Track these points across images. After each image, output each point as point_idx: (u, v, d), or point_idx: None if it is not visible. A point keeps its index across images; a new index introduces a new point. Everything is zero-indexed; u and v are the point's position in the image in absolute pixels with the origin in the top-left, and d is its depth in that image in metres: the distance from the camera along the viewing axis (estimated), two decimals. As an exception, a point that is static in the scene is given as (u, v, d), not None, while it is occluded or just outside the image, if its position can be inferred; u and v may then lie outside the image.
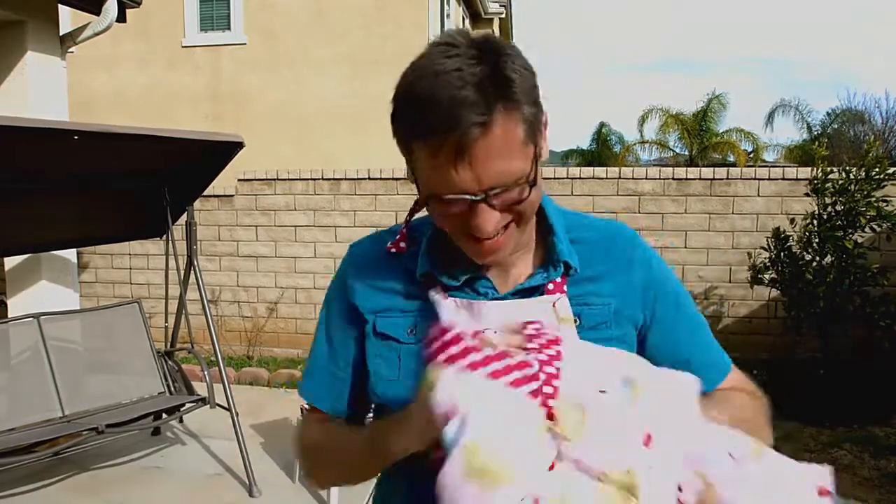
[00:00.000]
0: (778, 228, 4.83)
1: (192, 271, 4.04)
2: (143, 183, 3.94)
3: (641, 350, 0.97)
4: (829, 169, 4.67)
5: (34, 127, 3.02)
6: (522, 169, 0.81)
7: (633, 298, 0.96)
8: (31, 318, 3.87)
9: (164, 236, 4.20)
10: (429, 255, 0.98)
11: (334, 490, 3.36)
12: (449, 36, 0.82)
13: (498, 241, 0.86)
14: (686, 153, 20.88)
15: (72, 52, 4.70)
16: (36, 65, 4.26)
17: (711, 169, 5.82)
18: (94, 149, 3.33)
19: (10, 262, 4.48)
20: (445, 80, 0.77)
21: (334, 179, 6.19)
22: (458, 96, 0.76)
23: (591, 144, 25.81)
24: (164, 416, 3.96)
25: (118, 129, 3.26)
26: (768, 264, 4.89)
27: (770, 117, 19.99)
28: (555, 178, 5.94)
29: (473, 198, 0.81)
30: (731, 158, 19.73)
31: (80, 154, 3.33)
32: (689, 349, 0.99)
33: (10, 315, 4.25)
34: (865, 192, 4.40)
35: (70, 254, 4.64)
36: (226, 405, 3.76)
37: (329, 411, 1.06)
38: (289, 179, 6.36)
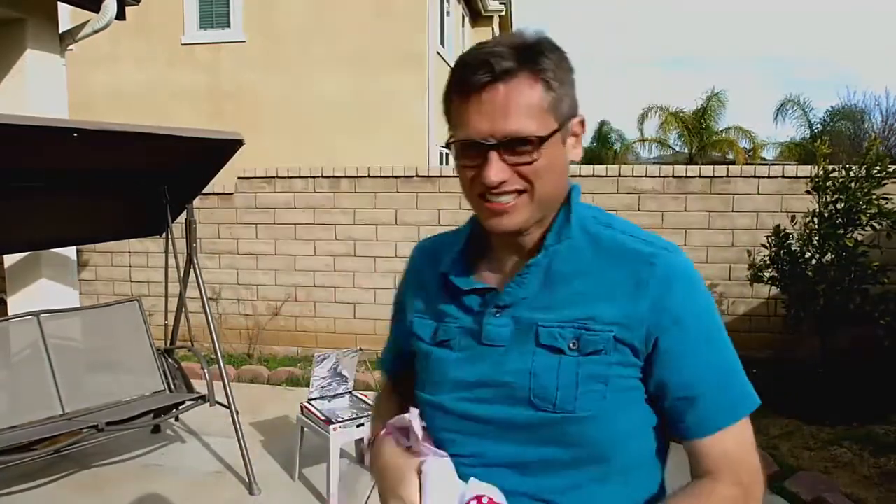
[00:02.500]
0: (778, 226, 4.83)
1: (192, 269, 4.04)
2: (142, 181, 3.93)
3: (649, 374, 0.94)
4: (830, 167, 4.66)
5: (34, 125, 3.02)
6: (537, 131, 0.89)
7: (635, 325, 0.92)
8: (31, 316, 3.87)
9: (164, 234, 4.19)
10: (458, 257, 1.05)
11: (333, 487, 3.36)
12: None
13: (507, 205, 0.92)
14: (686, 151, 20.90)
15: (71, 50, 4.70)
16: (35, 63, 4.26)
17: (711, 167, 5.82)
18: (94, 147, 3.33)
19: (10, 259, 4.47)
20: (487, 46, 0.90)
21: (334, 177, 6.19)
22: (493, 51, 0.88)
23: (591, 142, 25.82)
24: (164, 414, 3.96)
25: (118, 127, 3.25)
26: (768, 262, 4.88)
27: (779, 112, 19.98)
28: (555, 176, 5.93)
29: (485, 141, 0.89)
30: (731, 156, 19.75)
31: (80, 152, 3.33)
32: (698, 386, 0.93)
33: (9, 313, 4.25)
34: (866, 190, 4.40)
35: (70, 252, 4.64)
36: (226, 403, 3.76)
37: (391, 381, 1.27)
38: (289, 177, 6.36)
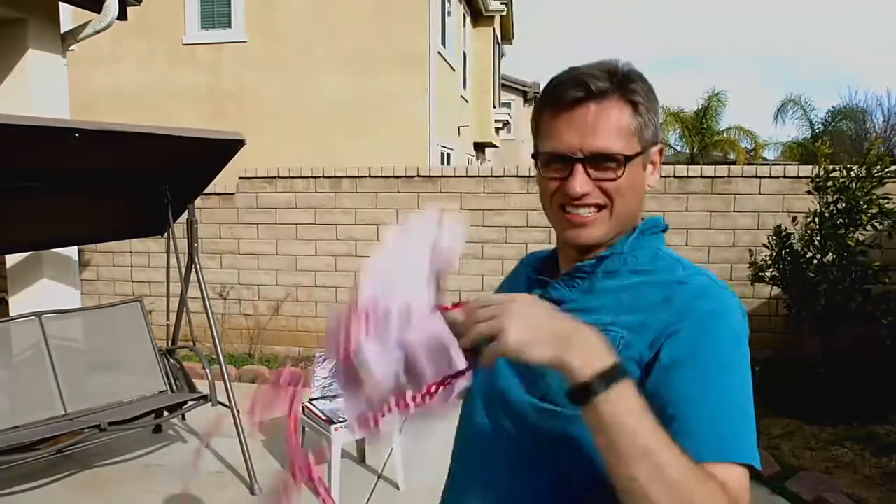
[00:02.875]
0: (779, 226, 4.83)
1: (194, 269, 4.04)
2: (143, 181, 3.94)
3: (643, 386, 0.85)
4: (831, 167, 4.66)
5: (35, 125, 3.02)
6: (622, 150, 0.93)
7: (647, 331, 0.89)
8: (32, 317, 3.88)
9: (166, 234, 4.20)
10: (542, 262, 1.13)
11: (334, 486, 3.36)
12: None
13: (587, 218, 0.96)
14: (687, 151, 20.90)
15: (72, 50, 4.70)
16: (37, 63, 4.26)
17: (713, 167, 5.82)
18: (95, 147, 3.33)
19: (12, 259, 4.48)
20: (580, 69, 0.96)
21: (335, 177, 6.19)
22: (589, 73, 0.93)
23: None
24: (166, 413, 3.97)
25: (119, 128, 3.26)
26: (769, 262, 4.88)
27: (779, 112, 19.97)
28: (556, 176, 5.94)
29: (573, 156, 0.93)
30: (732, 156, 19.75)
31: (81, 152, 3.33)
32: (684, 407, 0.83)
33: (11, 313, 4.26)
34: (867, 190, 4.40)
35: (71, 252, 4.65)
36: (227, 403, 3.76)
37: None
38: (290, 177, 6.36)
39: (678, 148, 21.38)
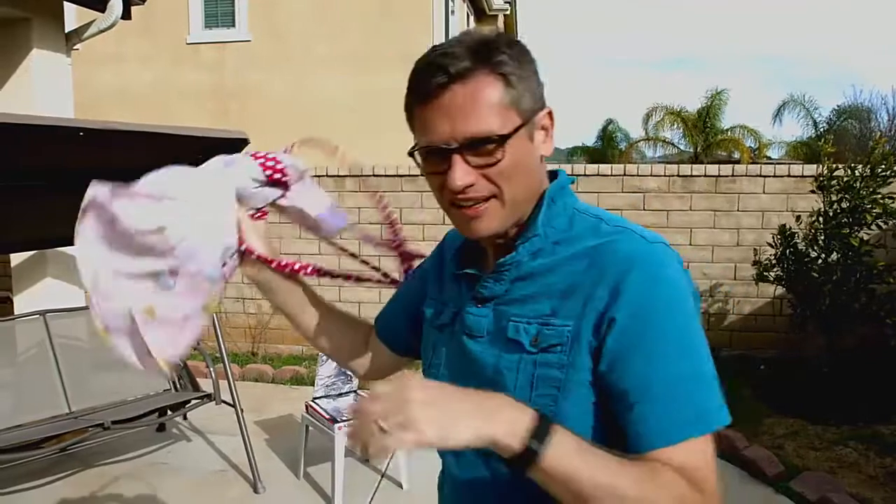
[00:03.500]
0: (784, 226, 4.82)
1: (197, 268, 4.04)
2: (148, 180, 3.94)
3: (596, 374, 0.86)
4: (834, 166, 4.65)
5: (40, 124, 3.03)
6: (499, 129, 0.85)
7: (589, 314, 0.86)
8: (37, 315, 3.89)
9: (170, 233, 4.20)
10: (462, 245, 1.07)
11: (338, 485, 3.36)
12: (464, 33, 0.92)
13: (478, 210, 0.90)
14: (690, 150, 20.86)
15: (77, 49, 4.71)
16: (41, 62, 4.27)
17: (717, 166, 5.81)
18: (100, 146, 3.34)
19: (16, 259, 4.49)
20: (441, 48, 0.88)
21: (339, 176, 6.20)
22: (447, 52, 0.86)
23: (596, 141, 25.75)
24: (170, 412, 3.98)
25: (123, 126, 3.27)
26: (774, 262, 4.87)
27: (778, 113, 19.91)
28: (559, 175, 5.93)
29: (448, 146, 0.86)
30: (736, 155, 19.70)
31: (86, 151, 3.34)
32: (640, 392, 0.82)
33: (15, 312, 4.27)
34: (871, 189, 4.39)
35: (75, 251, 4.65)
36: (231, 402, 3.77)
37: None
38: (293, 176, 6.37)
39: (682, 147, 21.34)
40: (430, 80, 0.86)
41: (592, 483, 0.72)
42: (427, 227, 5.94)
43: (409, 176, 6.05)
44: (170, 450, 4.15)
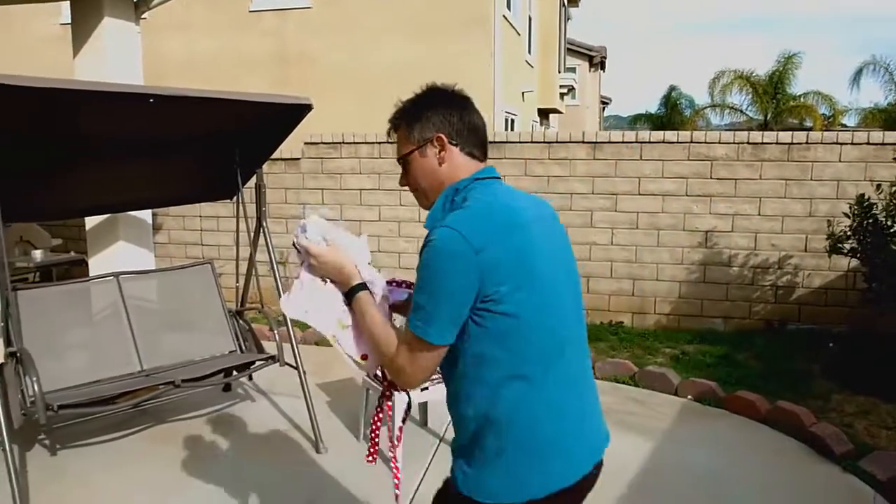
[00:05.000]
0: (862, 195, 4.60)
1: (262, 233, 4.12)
2: (214, 146, 4.01)
3: None
4: (920, 132, 4.39)
5: (112, 91, 3.10)
6: (402, 153, 1.56)
7: None
8: (111, 277, 4.04)
9: (234, 198, 4.28)
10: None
11: (398, 449, 3.40)
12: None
13: (417, 195, 1.60)
14: (760, 118, 20.07)
15: (145, 18, 4.79)
16: (112, 30, 4.37)
17: (790, 133, 5.57)
18: (170, 112, 3.40)
19: (91, 222, 4.66)
20: (396, 109, 1.60)
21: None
22: (395, 112, 1.59)
23: (659, 108, 25.02)
24: (235, 373, 4.09)
25: (191, 93, 3.32)
26: (849, 233, 4.67)
27: (856, 77, 18.90)
28: (623, 143, 5.79)
29: (397, 160, 1.60)
30: (808, 123, 18.87)
31: (155, 117, 3.41)
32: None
33: (90, 273, 4.44)
34: (960, 158, 4.14)
35: (146, 215, 4.80)
36: (294, 364, 3.85)
37: None
38: (354, 143, 6.40)
39: (751, 114, 20.53)
40: (390, 122, 1.59)
41: (368, 317, 1.53)
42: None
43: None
44: (235, 409, 4.29)
